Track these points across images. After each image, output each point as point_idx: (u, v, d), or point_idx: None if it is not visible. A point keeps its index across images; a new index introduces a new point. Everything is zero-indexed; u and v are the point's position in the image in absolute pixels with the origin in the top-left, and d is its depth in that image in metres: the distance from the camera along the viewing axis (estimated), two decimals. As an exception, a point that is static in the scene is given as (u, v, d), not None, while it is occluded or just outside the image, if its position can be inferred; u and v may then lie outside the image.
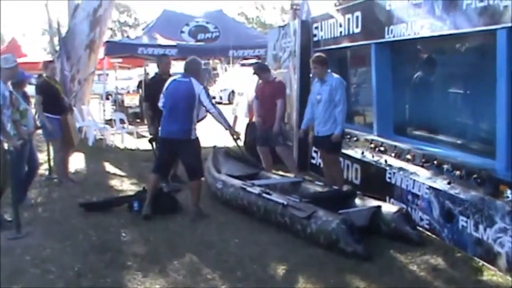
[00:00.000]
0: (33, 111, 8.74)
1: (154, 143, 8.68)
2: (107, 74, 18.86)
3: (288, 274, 5.28)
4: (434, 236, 6.21)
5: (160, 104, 7.39)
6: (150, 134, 9.22)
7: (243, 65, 24.40)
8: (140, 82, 22.11)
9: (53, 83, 9.07)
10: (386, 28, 7.17)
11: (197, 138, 7.21)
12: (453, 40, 6.40)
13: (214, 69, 37.74)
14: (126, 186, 9.32)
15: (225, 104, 27.39)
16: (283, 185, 7.83)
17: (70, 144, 9.26)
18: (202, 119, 7.38)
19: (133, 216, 7.31)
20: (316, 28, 9.54)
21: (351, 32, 8.17)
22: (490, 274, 5.19)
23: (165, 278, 5.24)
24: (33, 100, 9.21)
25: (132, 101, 18.47)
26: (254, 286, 5.01)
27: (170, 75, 8.74)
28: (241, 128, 11.38)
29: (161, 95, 7.35)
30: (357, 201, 6.75)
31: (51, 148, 9.62)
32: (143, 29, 15.06)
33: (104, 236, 6.54)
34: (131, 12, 56.01)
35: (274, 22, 53.06)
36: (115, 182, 9.62)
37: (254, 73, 9.63)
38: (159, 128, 7.42)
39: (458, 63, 6.44)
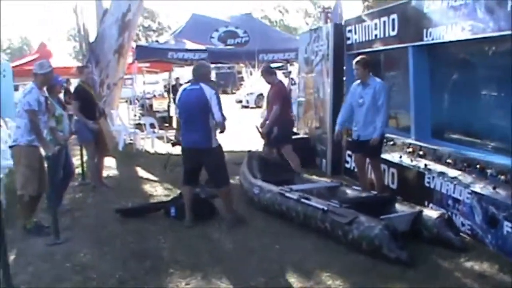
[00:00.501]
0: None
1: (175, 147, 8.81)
2: (132, 79, 18.95)
3: (332, 282, 5.21)
4: (476, 242, 6.10)
5: (177, 115, 7.47)
6: (175, 139, 9.29)
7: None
8: (169, 86, 22.19)
9: (88, 88, 9.12)
10: (424, 31, 7.07)
11: (218, 145, 7.12)
12: (496, 42, 6.30)
13: (239, 73, 37.78)
14: (160, 191, 9.32)
15: (251, 108, 27.45)
16: (320, 190, 7.76)
17: (104, 149, 9.29)
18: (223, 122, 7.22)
19: (171, 222, 7.31)
20: (350, 31, 9.46)
21: (387, 35, 8.08)
22: (538, 281, 5.08)
23: (208, 285, 5.21)
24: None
25: (161, 105, 18.54)
26: (301, 294, 4.96)
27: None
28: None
29: (175, 107, 7.39)
30: (397, 206, 6.66)
31: (84, 153, 9.67)
32: (172, 34, 15.06)
33: (142, 242, 6.53)
34: (155, 17, 56.30)
35: (298, 25, 53.10)
36: (148, 188, 9.63)
37: (261, 75, 10.09)
38: (181, 138, 7.34)
39: (502, 66, 6.31)
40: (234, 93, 35.48)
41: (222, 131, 7.03)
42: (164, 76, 28.92)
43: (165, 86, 28.19)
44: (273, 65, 17.01)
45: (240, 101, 29.88)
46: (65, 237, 6.65)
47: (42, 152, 6.89)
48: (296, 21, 56.09)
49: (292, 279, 5.31)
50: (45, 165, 6.84)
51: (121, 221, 7.38)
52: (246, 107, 28.58)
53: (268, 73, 9.66)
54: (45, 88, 7.25)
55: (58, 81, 7.94)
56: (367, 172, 8.33)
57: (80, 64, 11.21)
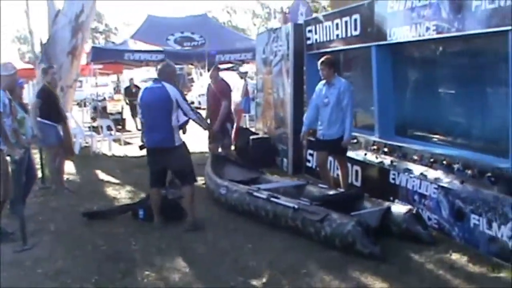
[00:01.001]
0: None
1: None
2: (81, 81, 18.72)
3: (310, 279, 5.28)
4: (443, 235, 6.27)
5: (139, 115, 7.39)
6: (142, 141, 9.16)
7: (218, 69, 24.38)
8: (118, 89, 22.04)
9: (52, 89, 8.97)
10: (388, 31, 7.22)
11: (182, 143, 7.07)
12: (458, 42, 6.50)
13: (189, 74, 37.63)
14: (123, 194, 9.25)
15: (203, 109, 27.35)
16: (287, 189, 7.82)
17: (69, 152, 9.16)
18: (184, 123, 7.22)
19: (139, 224, 7.26)
20: (310, 31, 9.56)
21: (349, 35, 8.20)
22: (507, 271, 5.26)
23: (186, 286, 5.22)
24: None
25: (115, 107, 18.35)
26: (279, 292, 5.01)
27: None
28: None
29: (137, 106, 7.28)
30: (366, 203, 6.79)
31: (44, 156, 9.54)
32: (131, 36, 14.95)
33: (113, 245, 6.47)
34: (102, 19, 55.55)
35: (246, 26, 53.21)
36: (111, 190, 9.54)
37: (211, 73, 10.49)
38: (144, 138, 7.26)
39: (473, 63, 6.52)
40: (185, 94, 35.25)
41: (184, 132, 7.18)
42: (113, 78, 28.69)
43: (114, 89, 27.97)
44: (224, 65, 17.21)
45: (192, 102, 29.74)
46: (32, 243, 6.53)
47: (7, 156, 6.76)
48: (244, 22, 56.19)
49: (270, 277, 5.35)
50: (9, 169, 6.72)
51: (88, 225, 7.30)
52: (198, 108, 28.44)
53: (217, 71, 10.18)
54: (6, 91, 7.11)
55: (18, 83, 7.80)
56: (329, 170, 8.45)
57: (42, 66, 10.92)
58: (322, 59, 7.91)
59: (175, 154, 6.99)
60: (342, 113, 7.69)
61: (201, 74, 32.04)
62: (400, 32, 6.96)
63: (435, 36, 6.32)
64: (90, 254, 6.20)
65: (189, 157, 7.22)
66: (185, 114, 6.99)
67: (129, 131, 18.44)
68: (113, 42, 19.09)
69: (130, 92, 19.24)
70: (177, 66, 17.56)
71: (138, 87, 19.29)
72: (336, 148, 7.84)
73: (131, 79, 20.01)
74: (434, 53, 7.15)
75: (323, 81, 7.98)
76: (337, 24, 8.56)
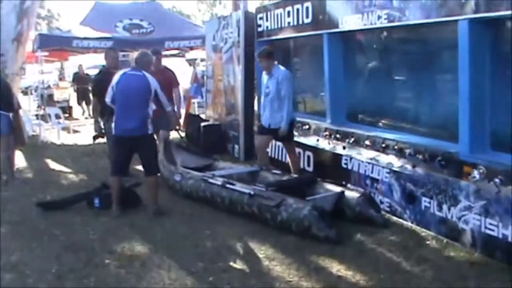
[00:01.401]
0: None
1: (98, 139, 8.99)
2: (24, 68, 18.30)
3: (269, 262, 5.40)
4: (395, 218, 6.49)
5: (108, 99, 7.15)
6: (95, 131, 9.13)
7: (165, 55, 24.21)
8: (61, 76, 21.67)
9: (3, 77, 8.80)
10: (339, 19, 7.36)
11: (153, 132, 7.14)
12: (407, 30, 6.70)
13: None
14: (76, 182, 9.20)
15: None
16: (241, 175, 7.92)
17: (21, 142, 9.01)
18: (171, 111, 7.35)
19: (95, 213, 7.24)
20: (261, 18, 9.64)
21: (301, 22, 8.31)
22: (457, 250, 5.52)
23: (148, 273, 5.25)
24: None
25: (62, 95, 18.04)
26: (240, 276, 5.11)
27: (117, 69, 8.70)
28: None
29: (109, 90, 7.09)
30: (319, 187, 6.95)
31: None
32: (80, 23, 14.70)
33: (71, 235, 6.45)
34: (44, 5, 54.26)
35: (191, 12, 52.79)
36: (63, 180, 9.47)
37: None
38: (112, 125, 7.16)
39: (424, 51, 6.72)
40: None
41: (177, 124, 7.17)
42: (57, 66, 28.13)
43: (58, 76, 27.44)
44: (171, 52, 17.14)
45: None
46: (-14, 234, 6.48)
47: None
48: (189, 8, 55.66)
49: (230, 262, 5.46)
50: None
51: (43, 215, 7.24)
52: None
53: (160, 59, 9.45)
54: None
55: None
56: (267, 154, 8.64)
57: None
58: (259, 50, 8.10)
59: (146, 143, 7.02)
60: (282, 103, 7.85)
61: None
62: (352, 20, 7.10)
63: (386, 24, 6.48)
64: (48, 244, 6.16)
65: (156, 147, 7.30)
66: (161, 106, 7.03)
67: (76, 119, 18.21)
68: (58, 29, 18.66)
69: (79, 78, 19.03)
70: (122, 53, 17.48)
71: (87, 74, 19.09)
72: (282, 136, 7.98)
73: (80, 65, 19.71)
74: (385, 41, 7.33)
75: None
76: (288, 12, 8.65)
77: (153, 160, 7.17)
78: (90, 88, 17.03)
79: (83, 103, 18.52)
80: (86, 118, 17.56)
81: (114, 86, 7.03)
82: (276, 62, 8.08)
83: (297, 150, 8.53)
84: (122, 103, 6.96)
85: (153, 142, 7.21)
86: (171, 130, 9.30)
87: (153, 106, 7.02)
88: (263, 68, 8.18)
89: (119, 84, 6.97)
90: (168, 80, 8.93)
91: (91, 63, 20.53)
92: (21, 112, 13.43)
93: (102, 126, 8.79)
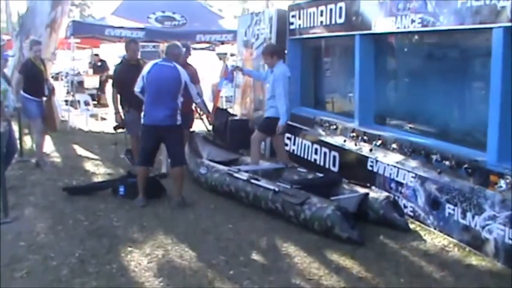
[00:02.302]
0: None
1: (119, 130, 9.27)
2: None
3: (290, 260, 5.42)
4: (418, 223, 6.47)
5: (137, 89, 7.23)
6: (116, 122, 9.27)
7: (194, 49, 24.26)
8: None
9: (38, 64, 8.92)
10: (372, 21, 7.35)
11: (182, 124, 7.20)
12: (440, 35, 6.67)
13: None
14: (102, 170, 9.30)
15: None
16: (266, 171, 7.96)
17: (52, 127, 9.12)
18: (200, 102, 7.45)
19: (120, 201, 7.33)
20: (294, 16, 9.65)
21: (333, 22, 8.31)
22: (478, 259, 5.48)
23: (170, 263, 5.31)
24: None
25: (92, 82, 18.18)
26: (260, 271, 5.14)
27: (138, 61, 8.92)
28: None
29: (139, 79, 7.18)
30: (344, 188, 6.96)
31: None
32: (113, 13, 14.84)
33: (95, 221, 6.54)
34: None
35: (222, 7, 52.79)
36: (90, 166, 9.57)
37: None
38: (142, 115, 7.24)
39: (456, 57, 6.70)
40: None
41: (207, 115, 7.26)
42: (88, 53, 28.34)
43: (90, 63, 27.63)
44: (201, 45, 17.22)
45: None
46: (13, 216, 6.59)
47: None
48: (220, 3, 55.66)
49: (251, 257, 5.49)
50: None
51: (69, 199, 7.35)
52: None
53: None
54: None
55: (4, 56, 7.78)
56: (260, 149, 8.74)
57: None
58: (263, 48, 8.27)
59: (175, 133, 7.10)
60: (276, 100, 7.97)
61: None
62: (385, 22, 7.09)
63: (420, 29, 6.46)
64: (72, 229, 6.27)
65: (183, 138, 7.38)
66: (193, 100, 7.26)
67: (106, 106, 18.35)
68: (92, 17, 18.87)
69: (98, 67, 19.36)
70: (153, 44, 17.58)
71: (103, 61, 19.28)
72: (269, 126, 8.10)
73: (96, 55, 20.03)
74: (417, 45, 7.31)
75: None
76: (321, 11, 8.65)
77: (180, 151, 7.25)
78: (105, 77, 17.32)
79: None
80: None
81: (144, 76, 7.10)
82: (281, 61, 8.20)
83: (324, 150, 8.55)
84: (152, 92, 7.03)
85: (181, 133, 7.27)
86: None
87: (199, 100, 7.11)
88: (267, 65, 8.32)
89: (150, 74, 7.04)
90: (195, 74, 8.80)
91: (123, 52, 20.65)
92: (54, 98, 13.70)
93: (123, 117, 8.95)
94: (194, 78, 8.36)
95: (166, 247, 5.74)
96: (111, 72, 14.76)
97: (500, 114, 5.45)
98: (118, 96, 8.93)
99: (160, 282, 4.89)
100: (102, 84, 18.28)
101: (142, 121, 7.26)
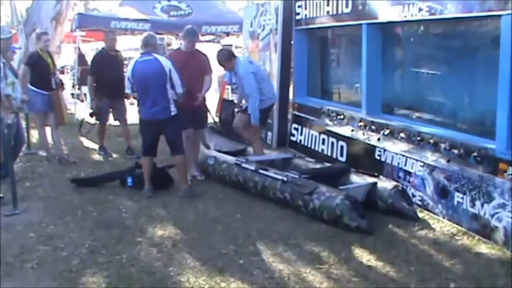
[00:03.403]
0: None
1: (94, 117, 9.70)
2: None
3: (299, 248, 5.43)
4: (427, 212, 6.46)
5: (128, 90, 7.36)
6: (91, 108, 9.75)
7: (199, 41, 24.18)
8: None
9: (45, 56, 8.91)
10: (379, 9, 7.32)
11: (177, 114, 7.19)
12: (447, 24, 6.64)
13: (169, 44, 37.29)
14: (109, 161, 9.32)
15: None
16: (274, 161, 7.95)
17: (60, 120, 9.09)
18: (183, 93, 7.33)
19: (128, 192, 7.37)
20: (300, 6, 9.62)
21: (340, 12, 8.28)
22: (488, 247, 5.47)
23: (179, 253, 5.33)
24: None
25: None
26: (270, 260, 5.15)
27: (116, 51, 9.62)
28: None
29: (127, 81, 7.28)
30: (352, 177, 6.95)
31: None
32: (120, 4, 14.83)
33: (104, 212, 6.58)
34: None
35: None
36: (97, 158, 9.61)
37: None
38: (140, 110, 7.28)
39: (464, 45, 6.67)
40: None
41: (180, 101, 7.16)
42: (93, 46, 28.32)
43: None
44: (206, 37, 17.18)
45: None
46: (23, 208, 6.63)
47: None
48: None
49: (261, 246, 5.50)
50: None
51: (77, 191, 7.40)
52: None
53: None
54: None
55: (11, 48, 7.78)
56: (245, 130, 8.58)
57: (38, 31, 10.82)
58: (217, 56, 8.24)
59: (171, 124, 7.13)
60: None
61: (181, 45, 31.86)
62: (392, 11, 7.06)
63: (427, 17, 6.43)
64: (82, 220, 6.31)
65: (180, 127, 7.35)
66: (172, 87, 7.04)
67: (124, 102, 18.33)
68: (96, 10, 18.86)
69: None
70: (158, 37, 17.55)
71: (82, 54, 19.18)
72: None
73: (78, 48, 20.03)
74: (425, 34, 7.28)
75: None
76: (328, 1, 8.62)
77: (178, 140, 7.28)
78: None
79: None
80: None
81: (129, 77, 7.18)
82: (237, 58, 8.29)
83: (331, 140, 8.56)
84: (142, 91, 7.10)
85: (178, 123, 7.24)
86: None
87: (180, 88, 7.06)
88: (229, 70, 8.48)
89: (133, 73, 7.10)
90: (203, 65, 8.18)
91: (128, 45, 20.60)
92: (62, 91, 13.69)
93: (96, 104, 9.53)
94: (206, 68, 8.10)
95: (176, 237, 5.76)
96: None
97: (509, 102, 5.41)
98: (93, 84, 9.53)
99: (170, 271, 4.91)
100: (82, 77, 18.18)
101: (138, 115, 7.37)
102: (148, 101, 7.06)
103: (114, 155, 9.74)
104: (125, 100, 10.02)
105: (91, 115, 9.68)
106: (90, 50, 28.46)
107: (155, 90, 6.99)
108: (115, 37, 9.90)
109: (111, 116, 9.92)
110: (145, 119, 7.23)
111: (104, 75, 9.26)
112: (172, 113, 7.09)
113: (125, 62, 10.60)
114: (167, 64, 6.98)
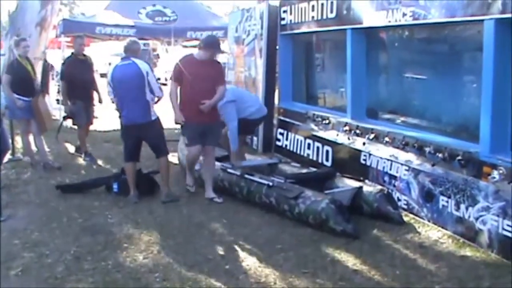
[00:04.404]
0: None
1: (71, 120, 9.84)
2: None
3: (285, 253, 5.42)
4: (412, 215, 6.50)
5: (110, 96, 7.38)
6: (65, 112, 9.92)
7: (184, 46, 24.21)
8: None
9: (24, 63, 8.85)
10: (364, 15, 7.36)
11: (157, 118, 7.23)
12: (430, 29, 6.69)
13: (155, 50, 37.24)
14: (94, 167, 9.28)
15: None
16: (260, 166, 7.96)
17: (42, 127, 9.02)
18: (160, 98, 7.33)
19: (114, 198, 7.33)
20: (285, 11, 9.65)
21: (325, 17, 8.31)
22: (473, 250, 5.51)
23: (165, 259, 5.31)
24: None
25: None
26: (256, 265, 5.15)
27: (84, 56, 9.82)
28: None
29: (108, 86, 7.31)
30: (337, 181, 6.98)
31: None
32: (105, 8, 14.77)
33: (89, 218, 6.54)
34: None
35: (212, 2, 52.69)
36: (82, 164, 9.56)
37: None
38: (120, 116, 7.30)
39: (448, 50, 6.73)
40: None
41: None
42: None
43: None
44: (191, 42, 17.16)
45: (159, 78, 29.48)
46: (7, 214, 6.57)
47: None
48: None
49: (247, 251, 5.50)
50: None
51: (62, 197, 7.35)
52: (165, 84, 28.27)
53: None
54: None
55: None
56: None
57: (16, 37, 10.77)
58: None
59: (151, 128, 7.16)
60: None
61: (167, 51, 31.82)
62: (376, 16, 7.10)
63: (411, 22, 6.48)
64: (67, 226, 6.26)
65: (163, 130, 7.38)
66: (151, 91, 7.05)
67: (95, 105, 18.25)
68: (82, 14, 18.81)
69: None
70: (143, 42, 17.51)
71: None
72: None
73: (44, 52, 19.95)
74: (409, 39, 7.33)
75: None
76: (312, 6, 8.66)
77: (160, 142, 7.29)
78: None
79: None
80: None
81: (110, 82, 7.19)
82: None
83: (317, 144, 8.59)
84: (121, 95, 7.12)
85: (158, 126, 7.27)
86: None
87: (158, 92, 7.11)
88: None
89: (113, 77, 7.12)
90: (217, 74, 7.28)
91: (114, 50, 20.56)
92: (46, 97, 13.60)
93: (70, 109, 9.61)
94: (219, 78, 7.31)
95: (161, 242, 5.74)
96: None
97: (492, 105, 5.48)
98: (66, 89, 9.57)
99: (156, 277, 4.89)
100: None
101: (120, 121, 7.38)
102: (127, 105, 7.08)
103: (99, 161, 9.67)
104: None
105: (64, 118, 9.77)
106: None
107: (133, 93, 7.00)
108: (83, 42, 10.13)
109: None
110: (125, 124, 7.24)
111: (75, 79, 9.40)
112: (153, 117, 7.13)
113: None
114: (144, 67, 7.00)
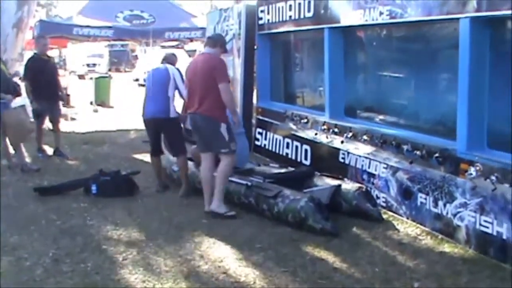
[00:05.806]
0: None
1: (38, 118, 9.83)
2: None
3: (264, 253, 5.43)
4: (391, 213, 6.55)
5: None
6: (34, 109, 9.90)
7: (163, 47, 24.20)
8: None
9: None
10: (341, 14, 7.40)
11: (176, 117, 7.49)
12: (407, 27, 6.75)
13: (133, 51, 37.18)
14: (73, 169, 9.22)
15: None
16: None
17: (14, 141, 8.90)
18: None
19: (92, 199, 7.29)
20: (262, 11, 9.67)
21: (302, 16, 8.34)
22: (451, 246, 5.57)
23: (145, 260, 5.29)
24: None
25: (61, 83, 17.92)
26: (236, 265, 5.15)
27: (48, 56, 10.09)
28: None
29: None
30: (316, 180, 7.00)
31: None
32: (79, 12, 14.69)
33: (68, 220, 6.50)
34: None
35: (190, 2, 52.59)
36: (61, 166, 9.49)
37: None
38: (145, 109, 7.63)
39: (424, 48, 6.76)
40: (129, 71, 34.81)
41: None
42: (55, 53, 28.09)
43: (58, 63, 27.39)
44: (170, 43, 17.18)
45: (137, 79, 29.41)
46: (-16, 218, 6.51)
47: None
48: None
49: (226, 251, 5.50)
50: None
51: (40, 200, 7.29)
52: (143, 85, 28.13)
53: None
54: None
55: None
56: None
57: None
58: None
59: (169, 125, 7.47)
60: None
61: (145, 52, 31.75)
62: (353, 15, 7.14)
63: (388, 21, 6.52)
64: (45, 228, 6.21)
65: (181, 130, 7.72)
66: (180, 93, 7.44)
67: (72, 107, 18.18)
68: (59, 16, 18.66)
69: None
70: (121, 43, 17.51)
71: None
72: None
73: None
74: (386, 37, 7.36)
75: None
76: (290, 6, 8.68)
77: (176, 142, 7.57)
78: None
79: None
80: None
81: (146, 79, 8.03)
82: None
83: (295, 143, 8.61)
84: (149, 91, 7.64)
85: (177, 125, 7.58)
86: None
87: (183, 91, 7.29)
88: None
89: (149, 77, 7.81)
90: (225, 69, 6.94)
91: (91, 51, 20.49)
92: (18, 98, 13.46)
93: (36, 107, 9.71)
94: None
95: (141, 244, 5.72)
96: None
97: (469, 103, 5.52)
98: (30, 88, 9.67)
99: (136, 278, 4.87)
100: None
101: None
102: (150, 100, 7.57)
103: (75, 162, 9.62)
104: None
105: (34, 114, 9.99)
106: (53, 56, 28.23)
107: (157, 91, 7.47)
108: (46, 42, 10.29)
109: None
110: (145, 118, 7.63)
111: (39, 79, 9.51)
112: (171, 115, 7.42)
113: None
114: (173, 71, 7.50)
